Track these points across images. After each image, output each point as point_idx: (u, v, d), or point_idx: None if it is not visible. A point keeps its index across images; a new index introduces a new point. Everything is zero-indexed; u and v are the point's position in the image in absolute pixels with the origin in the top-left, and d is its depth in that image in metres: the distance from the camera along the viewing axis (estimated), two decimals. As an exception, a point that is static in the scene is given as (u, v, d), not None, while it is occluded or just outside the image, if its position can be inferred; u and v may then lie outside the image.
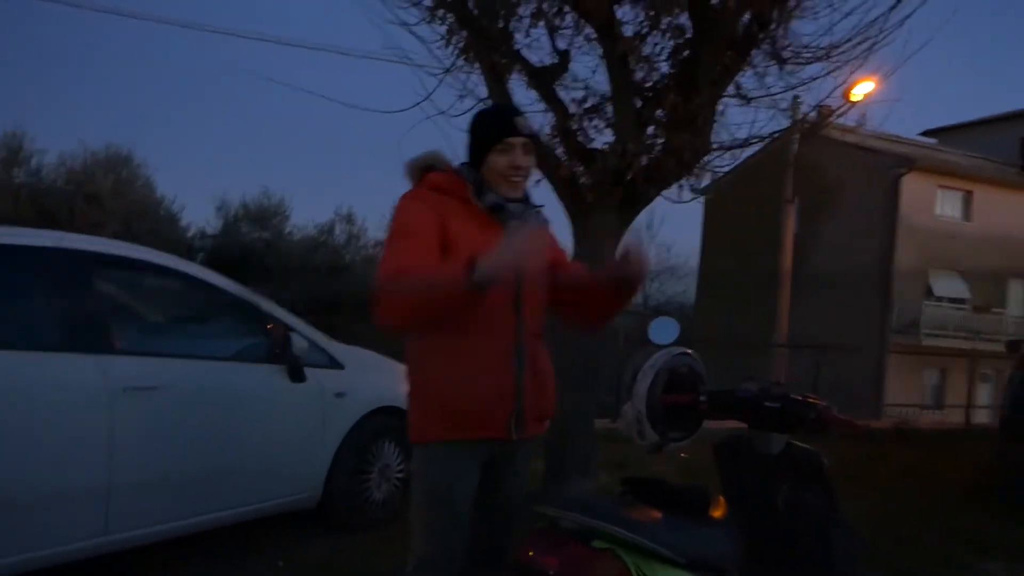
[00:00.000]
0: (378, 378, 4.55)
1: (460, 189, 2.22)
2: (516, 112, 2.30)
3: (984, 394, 13.46)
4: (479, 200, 2.21)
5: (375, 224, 37.20)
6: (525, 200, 2.29)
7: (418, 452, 2.21)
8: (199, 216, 46.90)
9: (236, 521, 3.73)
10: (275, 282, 19.00)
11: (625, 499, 2.15)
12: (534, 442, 2.34)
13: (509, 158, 2.21)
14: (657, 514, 2.03)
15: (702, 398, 2.51)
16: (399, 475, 4.46)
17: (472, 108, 5.28)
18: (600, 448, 5.08)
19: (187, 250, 22.40)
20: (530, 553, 1.94)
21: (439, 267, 2.04)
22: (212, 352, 3.76)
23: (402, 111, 5.48)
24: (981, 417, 11.77)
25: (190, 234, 25.64)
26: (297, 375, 3.90)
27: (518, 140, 2.21)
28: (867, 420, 9.13)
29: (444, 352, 2.14)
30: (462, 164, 2.28)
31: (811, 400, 2.38)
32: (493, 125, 2.25)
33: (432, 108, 5.26)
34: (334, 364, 4.21)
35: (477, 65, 4.93)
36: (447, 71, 5.09)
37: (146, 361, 3.35)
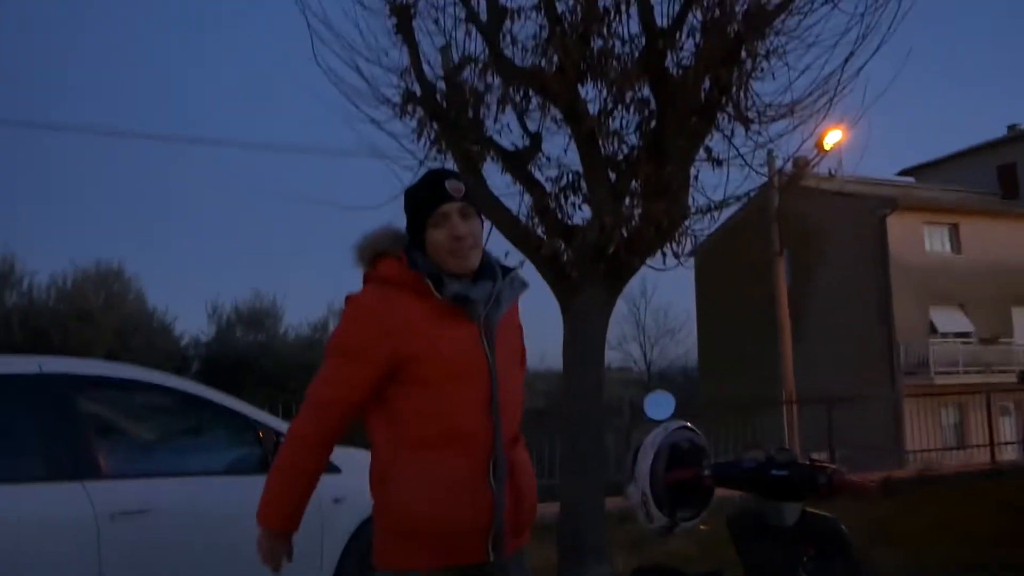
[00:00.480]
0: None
1: (414, 282, 1.95)
2: (447, 174, 2.04)
3: (1007, 428, 13.25)
4: (439, 292, 1.94)
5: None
6: (490, 269, 2.05)
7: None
8: (192, 324, 47.06)
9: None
10: (272, 385, 18.85)
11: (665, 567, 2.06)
12: (521, 554, 2.11)
13: (446, 229, 1.96)
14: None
15: (706, 472, 2.44)
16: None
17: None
18: (614, 528, 4.95)
19: (182, 359, 22.33)
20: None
21: (295, 480, 2.08)
22: (203, 467, 3.69)
23: (378, 207, 5.54)
24: (1007, 454, 11.55)
25: (184, 343, 25.58)
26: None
27: (452, 207, 1.96)
28: (888, 471, 8.91)
29: (412, 466, 1.92)
30: (411, 249, 2.01)
31: (819, 464, 2.31)
32: (420, 195, 2.02)
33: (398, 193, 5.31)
34: (330, 468, 4.07)
35: (450, 154, 5.01)
36: (421, 163, 5.17)
37: (134, 484, 3.29)
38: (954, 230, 25.43)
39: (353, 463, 4.31)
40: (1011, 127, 32.71)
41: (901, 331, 23.67)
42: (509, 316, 2.08)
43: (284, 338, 25.90)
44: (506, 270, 2.09)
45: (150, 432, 3.94)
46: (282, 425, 4.06)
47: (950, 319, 24.90)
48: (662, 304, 54.36)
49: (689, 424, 2.62)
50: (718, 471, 2.45)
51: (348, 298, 2.02)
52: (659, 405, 2.68)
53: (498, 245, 5.08)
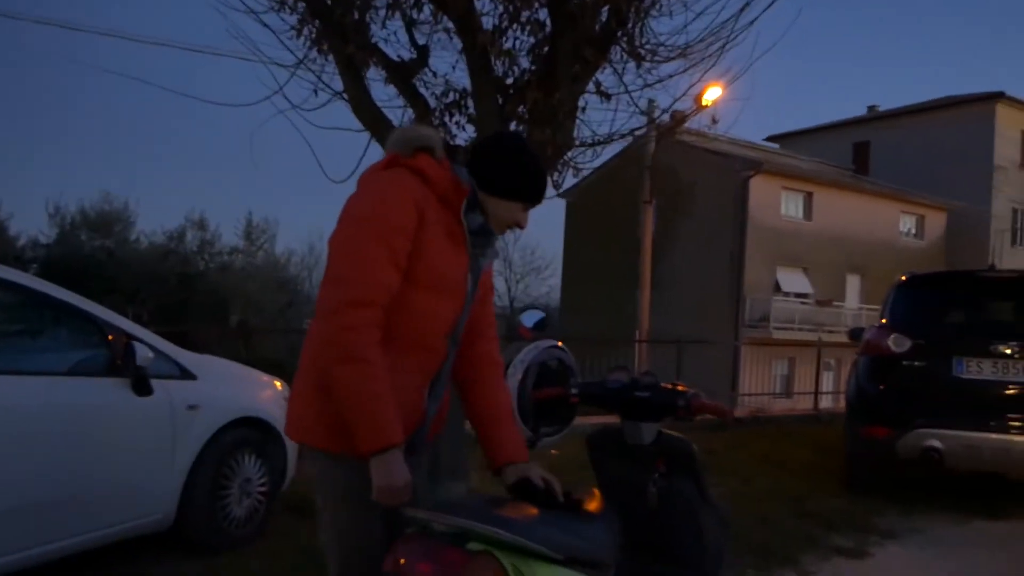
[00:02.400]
0: (235, 388, 4.36)
1: (452, 195, 2.00)
2: (544, 176, 2.14)
3: (828, 382, 14.40)
4: (465, 217, 2.01)
5: (229, 230, 35.77)
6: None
7: (337, 462, 1.96)
8: (31, 225, 43.56)
9: (81, 550, 3.43)
10: (120, 293, 17.85)
11: (499, 498, 2.11)
12: (432, 447, 2.22)
13: (517, 217, 2.10)
14: (532, 511, 1.99)
15: (573, 391, 2.52)
16: (261, 489, 4.28)
17: (327, 102, 5.14)
18: (472, 450, 5.04)
19: (17, 261, 20.72)
20: (401, 562, 1.86)
21: (383, 393, 1.84)
22: (43, 367, 3.44)
23: (250, 105, 5.26)
24: (826, 403, 12.60)
25: (21, 243, 23.76)
26: (142, 388, 3.63)
27: (529, 207, 2.13)
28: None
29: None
30: (458, 166, 2.05)
31: (680, 388, 2.42)
32: (527, 183, 2.08)
33: (284, 102, 5.07)
34: (185, 375, 3.98)
35: (331, 57, 4.78)
36: (299, 63, 4.91)
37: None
38: (808, 198, 27.04)
39: (209, 370, 4.20)
40: (870, 108, 35.13)
41: (749, 286, 25.21)
42: (489, 269, 2.20)
43: (135, 245, 24.55)
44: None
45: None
46: (135, 328, 3.86)
47: (793, 280, 26.71)
48: (530, 242, 55.10)
49: (560, 344, 2.68)
50: (584, 390, 2.54)
51: (374, 175, 2.00)
52: (533, 318, 2.73)
53: (379, 157, 4.95)
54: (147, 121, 56.37)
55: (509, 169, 2.09)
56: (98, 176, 51.30)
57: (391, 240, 1.88)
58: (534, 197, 2.12)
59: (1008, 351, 5.51)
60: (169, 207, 56.33)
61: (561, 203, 29.70)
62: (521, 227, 2.13)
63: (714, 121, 6.27)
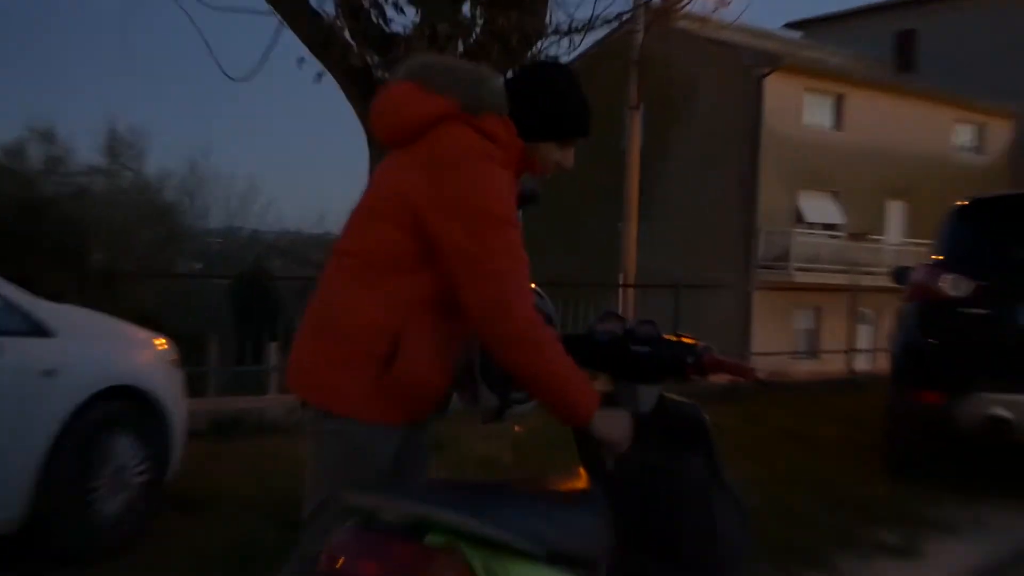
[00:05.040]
0: (104, 348, 4.35)
1: (515, 156, 2.34)
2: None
3: (864, 337, 14.76)
4: (522, 182, 2.41)
5: (85, 143, 34.94)
6: None
7: (355, 427, 2.28)
8: None
9: None
10: (-64, 226, 17.47)
11: (463, 481, 2.14)
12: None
13: (566, 157, 2.43)
14: (506, 494, 2.02)
15: (551, 345, 2.53)
16: (140, 479, 4.29)
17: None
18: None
19: None
20: (339, 561, 1.87)
21: (577, 372, 2.26)
22: None
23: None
24: (863, 363, 12.91)
25: None
26: (-19, 348, 3.61)
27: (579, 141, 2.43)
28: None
29: (433, 336, 2.29)
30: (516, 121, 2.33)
31: (686, 340, 2.45)
32: (576, 116, 2.41)
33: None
34: (38, 331, 3.98)
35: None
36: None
37: None
38: (838, 102, 27.27)
39: (70, 325, 4.18)
40: None
41: (763, 216, 25.51)
42: None
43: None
44: None
45: None
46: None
47: (820, 208, 27.04)
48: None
49: (533, 286, 2.68)
50: (566, 344, 2.54)
51: (472, 154, 2.26)
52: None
53: (291, 49, 4.89)
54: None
55: (566, 108, 2.42)
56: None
57: (519, 237, 2.28)
58: (581, 126, 2.44)
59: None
60: (3, 113, 54.71)
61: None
62: (566, 168, 2.46)
63: (722, 3, 6.24)
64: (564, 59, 5.46)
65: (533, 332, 2.21)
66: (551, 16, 4.99)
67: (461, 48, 4.63)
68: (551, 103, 2.39)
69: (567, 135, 2.42)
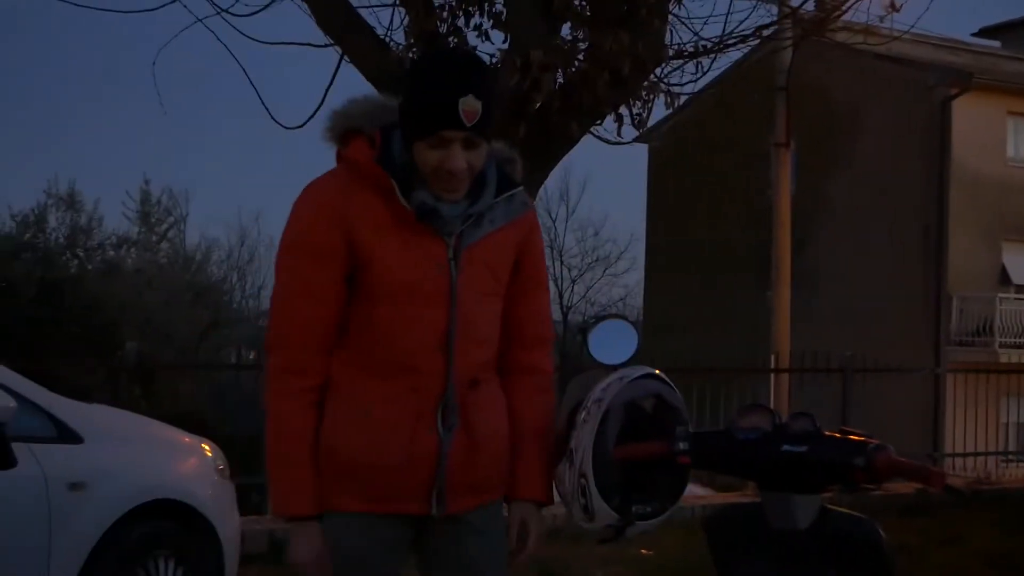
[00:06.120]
0: (141, 455, 4.46)
1: (382, 180, 2.43)
2: (467, 81, 2.39)
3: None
4: (403, 199, 2.42)
5: (115, 208, 36.30)
6: (478, 188, 2.49)
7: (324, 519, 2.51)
8: None
9: None
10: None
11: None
12: (488, 512, 2.64)
13: (440, 156, 2.38)
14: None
15: (681, 446, 2.55)
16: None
17: (271, 3, 5.26)
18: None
19: None
20: None
21: (291, 453, 2.47)
22: None
23: (149, 11, 5.40)
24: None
25: None
26: (1, 456, 3.74)
27: (457, 135, 2.36)
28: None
29: (356, 399, 2.49)
30: (393, 131, 2.47)
31: (855, 438, 2.44)
32: (427, 105, 2.39)
33: (204, 7, 5.19)
34: (64, 436, 4.09)
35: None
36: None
37: None
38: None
39: (102, 428, 4.32)
40: None
41: (956, 277, 24.96)
42: (499, 237, 2.56)
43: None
44: (506, 183, 2.57)
45: None
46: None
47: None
48: (592, 217, 55.06)
49: (657, 372, 2.73)
50: (699, 445, 2.57)
51: (304, 188, 2.52)
52: (613, 340, 2.78)
53: (352, 89, 5.04)
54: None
55: (404, 96, 2.48)
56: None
57: (302, 268, 2.49)
58: (438, 117, 2.37)
59: None
60: (18, 176, 57.20)
61: (642, 150, 29.64)
62: (451, 168, 2.38)
63: (893, 7, 6.25)
64: (690, 88, 5.51)
65: (266, 391, 2.51)
66: (672, 36, 5.03)
67: (561, 79, 4.71)
68: (401, 101, 2.48)
69: (411, 135, 2.43)
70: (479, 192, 2.50)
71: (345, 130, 2.52)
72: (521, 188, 2.62)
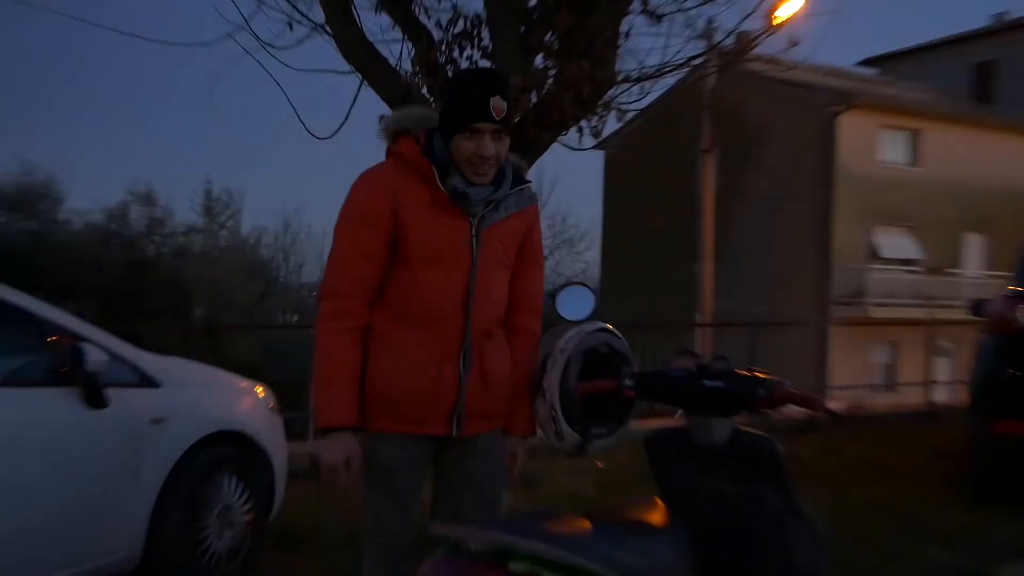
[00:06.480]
0: (208, 396, 4.45)
1: (424, 168, 2.50)
2: (496, 88, 2.46)
3: (943, 370, 14.39)
4: (442, 184, 2.48)
5: (184, 204, 35.97)
6: (499, 180, 2.57)
7: (362, 436, 2.57)
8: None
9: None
10: (52, 287, 18.09)
11: (545, 511, 2.19)
12: (492, 437, 2.71)
13: (474, 145, 2.46)
14: (586, 525, 2.07)
15: (627, 382, 2.57)
16: (246, 518, 4.38)
17: (305, 38, 5.22)
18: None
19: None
20: (430, 587, 1.94)
21: (335, 376, 2.51)
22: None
23: (206, 45, 5.35)
24: (941, 395, 12.58)
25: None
26: (96, 399, 3.72)
27: (488, 127, 2.44)
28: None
29: (387, 339, 2.56)
30: (435, 133, 2.54)
31: (760, 374, 2.47)
32: (463, 102, 2.48)
33: (251, 41, 5.16)
34: (147, 382, 4.08)
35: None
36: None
37: None
38: (915, 137, 26.66)
39: (176, 376, 4.30)
40: (996, 16, 33.16)
41: (839, 253, 25.05)
42: (512, 222, 2.64)
43: (67, 227, 24.80)
44: (519, 180, 2.65)
45: None
46: (83, 326, 3.96)
47: (896, 243, 26.44)
48: (560, 207, 54.86)
49: (609, 326, 2.74)
50: (642, 382, 2.59)
51: (362, 173, 2.58)
52: (576, 303, 2.79)
53: (373, 107, 5.02)
54: (73, 72, 56.77)
55: (446, 99, 2.60)
56: (13, 143, 51.78)
57: (357, 232, 2.53)
58: (473, 112, 2.46)
59: None
60: (107, 178, 56.67)
61: (598, 156, 29.61)
62: (483, 154, 2.47)
63: (793, 43, 6.25)
64: (636, 106, 5.50)
65: (316, 329, 2.55)
66: (621, 63, 5.03)
67: (535, 99, 4.70)
68: (442, 105, 2.61)
69: (449, 130, 2.50)
70: (499, 183, 2.57)
71: (396, 131, 2.59)
72: (530, 184, 2.69)
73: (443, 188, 2.49)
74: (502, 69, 4.66)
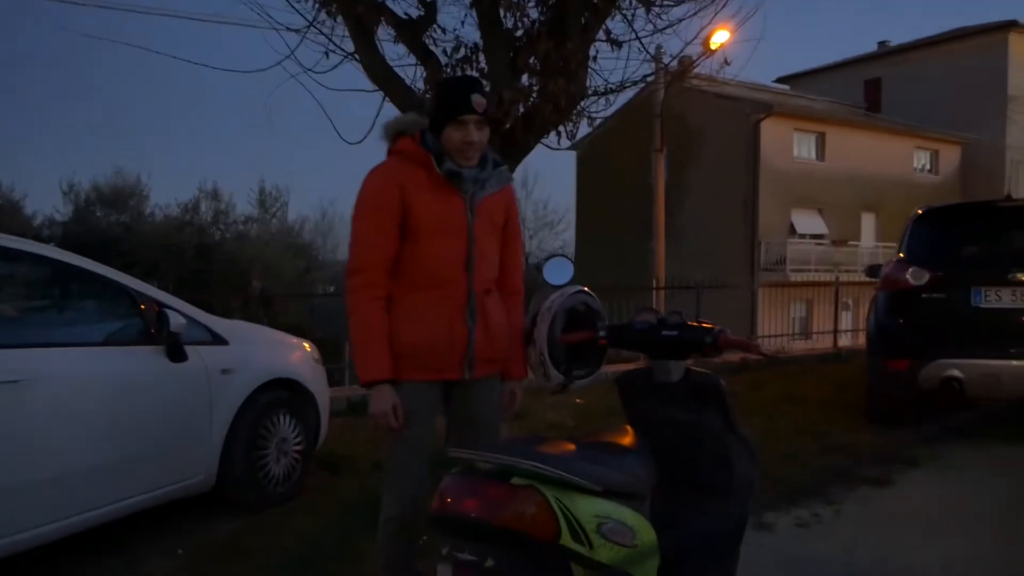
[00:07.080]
0: (266, 351, 4.43)
1: (422, 157, 2.48)
2: (474, 87, 2.46)
3: (846, 320, 14.40)
4: (438, 168, 2.46)
5: (243, 199, 35.76)
6: (483, 164, 2.55)
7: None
8: (46, 204, 43.79)
9: (128, 513, 3.54)
10: (139, 268, 18.03)
11: (539, 437, 2.18)
12: (493, 379, 2.67)
13: (462, 134, 2.45)
14: (571, 447, 2.06)
15: (601, 334, 2.57)
16: (297, 448, 4.38)
17: (339, 64, 5.16)
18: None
19: (34, 239, 20.92)
20: (448, 500, 1.93)
21: (372, 340, 2.44)
22: (79, 338, 3.52)
23: (262, 71, 5.28)
24: (845, 341, 12.63)
25: (37, 223, 23.99)
26: (177, 354, 3.71)
27: (471, 117, 2.43)
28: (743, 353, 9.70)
29: (405, 304, 2.50)
30: (426, 131, 2.51)
31: (706, 325, 2.46)
32: (449, 101, 2.47)
33: (296, 67, 5.09)
34: (217, 340, 4.05)
35: (341, 19, 4.78)
36: (309, 26, 4.92)
37: (4, 354, 3.08)
38: (820, 138, 26.63)
39: (240, 335, 4.27)
40: (881, 43, 34.10)
41: (764, 230, 25.05)
42: (496, 197, 2.61)
43: (151, 219, 24.68)
44: (497, 164, 2.63)
45: (20, 302, 3.70)
46: (165, 296, 3.93)
47: (808, 222, 26.46)
48: (542, 196, 54.95)
49: (586, 288, 2.72)
50: (612, 333, 2.58)
51: (370, 171, 2.54)
52: (558, 270, 2.77)
53: (391, 114, 4.98)
54: (155, 94, 56.22)
55: (434, 100, 2.61)
56: (109, 152, 51.40)
57: (374, 215, 2.47)
58: (457, 105, 2.44)
59: (1027, 279, 5.50)
60: (182, 179, 56.46)
61: (572, 156, 29.50)
62: (469, 140, 2.45)
63: (726, 63, 6.22)
64: (603, 114, 5.47)
65: (348, 300, 2.47)
66: (590, 80, 4.99)
67: (521, 110, 4.66)
68: (433, 105, 2.59)
69: (438, 124, 2.48)
70: (483, 165, 2.55)
71: (395, 132, 2.57)
72: (506, 166, 2.66)
73: (440, 171, 2.46)
74: (495, 85, 4.61)
